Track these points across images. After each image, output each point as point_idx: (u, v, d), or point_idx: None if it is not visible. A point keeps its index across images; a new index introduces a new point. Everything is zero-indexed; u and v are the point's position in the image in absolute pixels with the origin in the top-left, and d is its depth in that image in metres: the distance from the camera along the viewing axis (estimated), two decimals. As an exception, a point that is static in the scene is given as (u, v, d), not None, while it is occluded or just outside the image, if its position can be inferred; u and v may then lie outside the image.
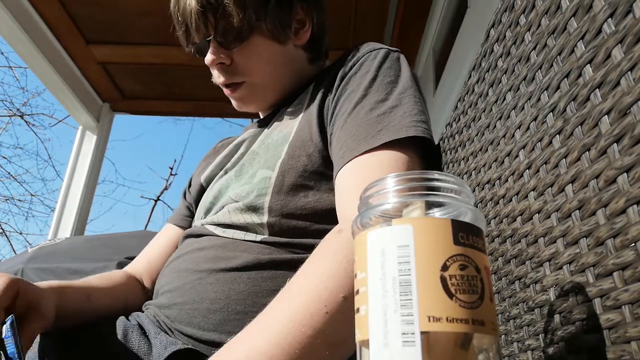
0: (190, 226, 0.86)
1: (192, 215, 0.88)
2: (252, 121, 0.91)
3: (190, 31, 0.76)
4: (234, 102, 0.84)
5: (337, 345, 0.45)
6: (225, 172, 0.79)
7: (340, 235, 0.51)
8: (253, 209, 0.66)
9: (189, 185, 0.92)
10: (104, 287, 0.71)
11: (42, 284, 0.62)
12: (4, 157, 6.95)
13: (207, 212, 0.76)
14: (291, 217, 0.65)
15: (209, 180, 0.83)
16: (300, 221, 0.65)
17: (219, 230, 0.69)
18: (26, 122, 7.03)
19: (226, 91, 0.82)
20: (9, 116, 6.86)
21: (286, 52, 0.80)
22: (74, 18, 2.04)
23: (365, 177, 0.57)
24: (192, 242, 0.72)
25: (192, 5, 0.73)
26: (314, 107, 0.71)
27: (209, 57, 0.76)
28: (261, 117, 0.89)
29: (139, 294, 0.78)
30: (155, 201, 8.04)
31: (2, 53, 6.81)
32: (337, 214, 0.59)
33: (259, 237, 0.65)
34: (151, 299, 0.74)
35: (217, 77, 0.81)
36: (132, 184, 15.87)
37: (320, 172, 0.67)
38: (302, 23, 0.82)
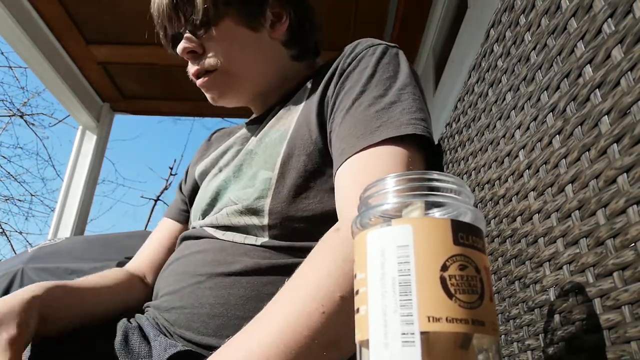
0: (187, 221, 0.85)
1: (188, 210, 0.87)
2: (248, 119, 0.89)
3: (167, 28, 0.77)
4: (207, 95, 0.80)
5: (334, 345, 0.44)
6: (220, 170, 0.78)
7: (338, 234, 0.50)
8: (253, 211, 0.65)
9: (186, 176, 0.91)
10: (104, 285, 0.70)
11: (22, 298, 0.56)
12: (4, 157, 6.96)
13: (205, 213, 0.75)
14: (292, 220, 0.64)
15: (203, 176, 0.82)
16: (302, 224, 0.63)
17: (218, 233, 0.68)
18: (26, 122, 7.05)
19: (198, 82, 0.78)
20: (9, 116, 6.87)
21: (260, 40, 0.78)
22: (74, 18, 2.04)
23: (364, 174, 0.56)
24: (190, 244, 0.70)
25: (163, 0, 0.75)
26: (313, 104, 0.70)
27: (180, 46, 0.75)
28: (255, 115, 0.87)
29: (140, 292, 0.76)
30: (155, 201, 8.05)
31: (2, 53, 6.82)
32: (337, 211, 0.58)
33: (259, 241, 0.64)
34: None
35: (190, 68, 0.78)
36: (132, 184, 15.91)
37: (321, 172, 0.66)
38: (278, 16, 0.80)
